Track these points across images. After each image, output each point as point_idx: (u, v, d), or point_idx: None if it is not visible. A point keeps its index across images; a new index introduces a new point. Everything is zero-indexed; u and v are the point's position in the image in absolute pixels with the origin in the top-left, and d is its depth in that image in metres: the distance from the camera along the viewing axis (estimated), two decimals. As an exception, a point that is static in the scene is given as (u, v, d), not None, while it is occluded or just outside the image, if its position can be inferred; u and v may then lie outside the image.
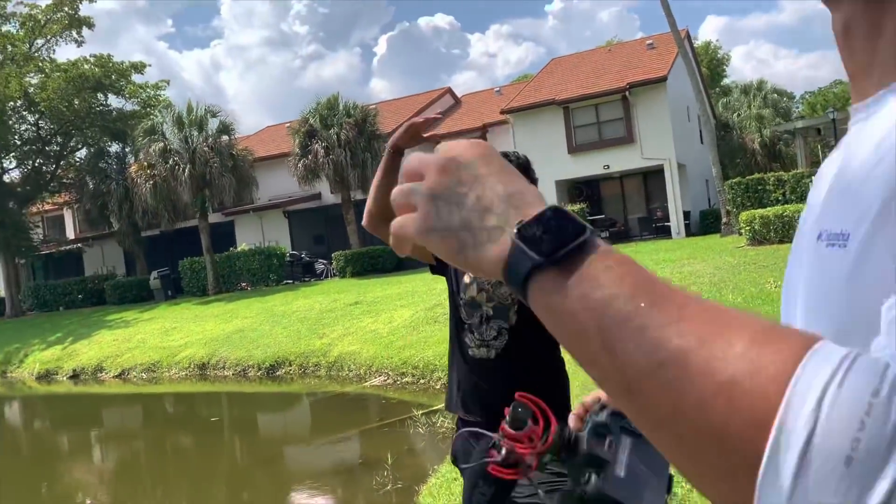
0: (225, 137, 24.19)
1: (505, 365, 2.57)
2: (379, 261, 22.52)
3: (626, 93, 23.66)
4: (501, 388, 2.31)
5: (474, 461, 1.95)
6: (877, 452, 0.38)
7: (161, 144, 22.69)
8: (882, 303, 0.46)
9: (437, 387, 9.94)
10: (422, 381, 10.68)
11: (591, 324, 0.49)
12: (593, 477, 0.93)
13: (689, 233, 23.58)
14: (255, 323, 17.03)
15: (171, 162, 22.72)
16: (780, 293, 0.68)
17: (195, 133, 23.61)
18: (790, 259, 0.65)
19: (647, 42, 28.00)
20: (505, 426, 1.04)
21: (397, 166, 2.33)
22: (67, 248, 32.76)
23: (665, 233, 23.78)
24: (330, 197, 25.87)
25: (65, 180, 29.97)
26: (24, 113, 28.04)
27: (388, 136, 24.90)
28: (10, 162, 29.27)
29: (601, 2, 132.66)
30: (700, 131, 25.91)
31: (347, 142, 22.63)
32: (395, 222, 0.61)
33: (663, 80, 23.36)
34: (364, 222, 2.52)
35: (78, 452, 11.68)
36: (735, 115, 34.40)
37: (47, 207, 33.45)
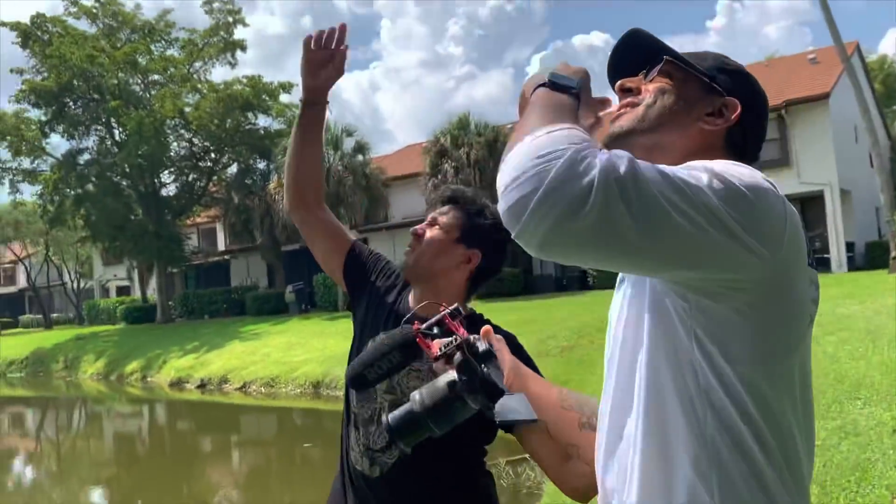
0: (360, 156, 24.45)
1: (392, 490, 1.79)
2: (504, 284, 21.81)
3: (783, 111, 21.64)
4: None
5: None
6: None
7: (298, 162, 23.21)
8: None
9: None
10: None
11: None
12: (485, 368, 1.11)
13: (853, 266, 21.13)
14: (374, 343, 16.77)
15: (306, 179, 23.17)
16: None
17: (331, 152, 24.00)
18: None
19: (810, 56, 25.62)
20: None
21: (315, 120, 1.95)
22: (216, 259, 34.45)
23: (824, 265, 21.44)
24: (462, 217, 25.45)
25: (216, 195, 31.58)
26: (182, 131, 29.79)
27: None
28: (168, 177, 31.21)
29: (768, 16, 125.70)
30: (870, 154, 23.29)
31: (477, 161, 22.17)
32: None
33: (825, 97, 21.18)
34: (287, 207, 2.10)
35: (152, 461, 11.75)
36: (914, 136, 30.89)
37: (202, 220, 35.42)
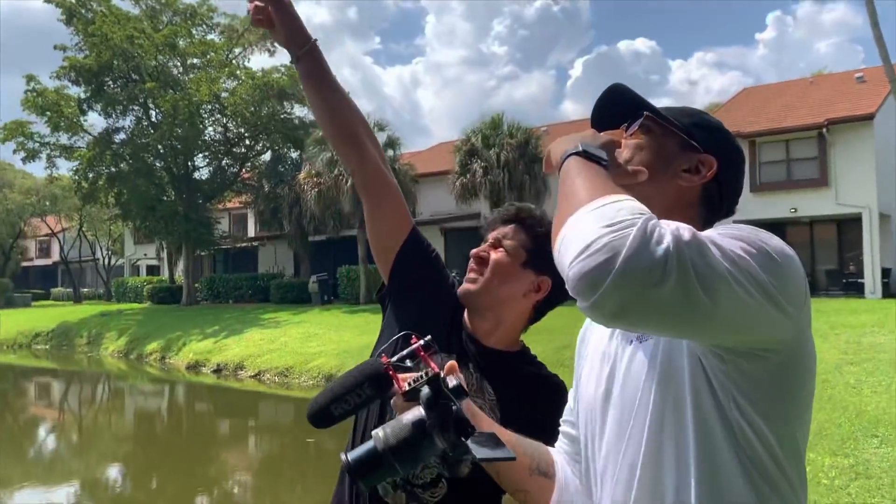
0: (391, 151, 24.34)
1: None
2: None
3: (824, 130, 21.08)
4: None
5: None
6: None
7: (328, 155, 23.15)
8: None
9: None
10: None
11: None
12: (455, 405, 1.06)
13: (888, 293, 20.49)
14: (389, 339, 16.66)
15: (336, 171, 23.14)
16: None
17: (361, 145, 23.92)
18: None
19: (857, 75, 24.96)
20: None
21: (313, 67, 1.70)
22: (244, 245, 34.63)
23: (857, 290, 20.86)
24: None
25: (248, 181, 31.73)
26: (217, 116, 29.96)
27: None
28: (202, 161, 31.42)
29: (819, 31, 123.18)
30: (912, 178, 22.60)
31: (507, 163, 21.93)
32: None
33: (870, 118, 20.57)
34: (348, 162, 1.77)
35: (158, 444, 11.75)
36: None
37: (234, 205, 35.66)
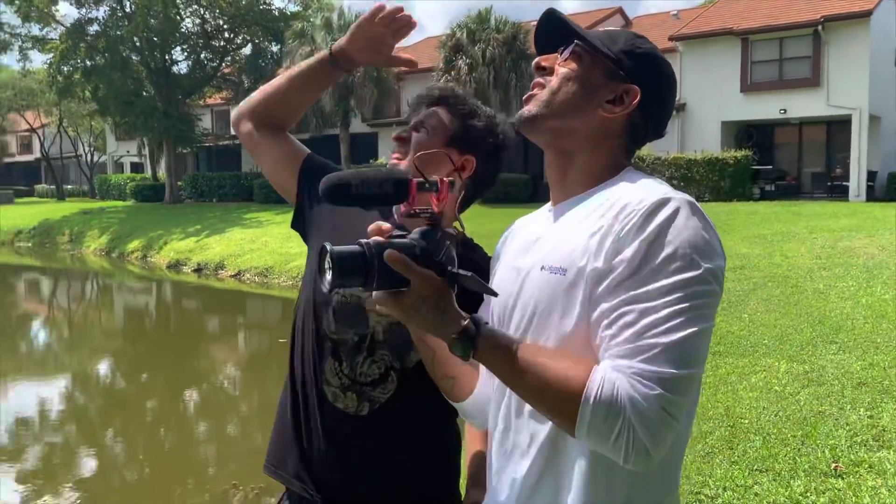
0: (374, 45, 23.56)
1: (383, 429, 1.56)
2: (511, 190, 21.36)
3: (819, 27, 20.43)
4: (369, 462, 1.56)
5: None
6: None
7: (308, 49, 22.40)
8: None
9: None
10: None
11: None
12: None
13: (872, 197, 20.40)
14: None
15: (316, 67, 22.44)
16: None
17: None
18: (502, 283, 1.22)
19: (858, -31, 24.00)
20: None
21: (327, 78, 1.73)
22: (227, 142, 34.03)
23: (842, 193, 20.76)
24: (476, 116, 24.78)
25: (228, 76, 30.84)
26: (196, 6, 28.78)
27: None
28: (180, 54, 30.43)
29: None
30: (906, 79, 22.14)
31: (492, 60, 21.29)
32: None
33: (867, 15, 19.89)
34: (238, 123, 1.79)
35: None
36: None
37: (216, 101, 34.81)
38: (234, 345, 12.28)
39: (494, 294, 1.11)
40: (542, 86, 1.21)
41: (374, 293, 1.06)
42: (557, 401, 1.00)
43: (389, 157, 1.67)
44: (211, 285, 17.18)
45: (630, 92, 1.17)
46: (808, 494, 3.22)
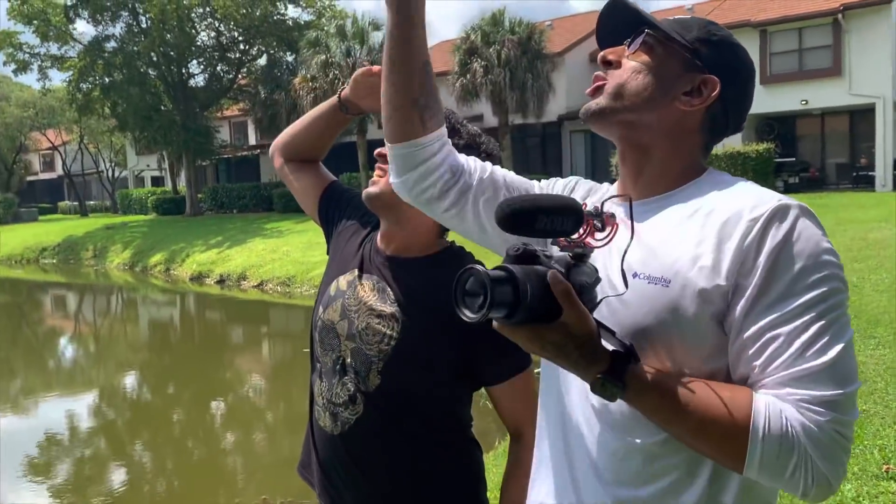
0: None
1: (353, 449, 1.63)
2: (531, 191, 21.22)
3: (839, 16, 20.12)
4: (344, 479, 1.65)
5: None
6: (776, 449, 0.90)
7: (323, 57, 22.44)
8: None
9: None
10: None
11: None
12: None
13: (899, 186, 20.07)
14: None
15: (331, 75, 22.46)
16: None
17: (357, 47, 23.13)
18: None
19: (876, -45, 23.61)
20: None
21: (341, 122, 1.81)
22: (245, 153, 34.18)
23: (868, 183, 20.42)
24: (492, 119, 24.66)
25: (245, 88, 30.98)
26: (210, 19, 28.96)
27: (553, 57, 23.20)
28: (196, 67, 30.63)
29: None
30: (931, 66, 21.72)
31: (508, 61, 21.17)
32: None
33: (888, 1, 19.56)
34: (271, 150, 1.96)
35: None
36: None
37: (233, 113, 34.99)
38: (259, 355, 12.27)
39: (635, 355, 0.98)
40: (605, 80, 1.13)
41: (505, 323, 0.93)
42: (721, 439, 0.93)
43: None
44: (234, 296, 17.21)
45: (708, 82, 1.09)
46: (861, 499, 3.09)
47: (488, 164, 1.28)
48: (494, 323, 0.94)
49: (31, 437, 7.48)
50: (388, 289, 1.62)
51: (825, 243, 0.96)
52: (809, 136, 23.29)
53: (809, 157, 22.83)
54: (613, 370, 0.93)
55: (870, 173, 20.54)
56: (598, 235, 0.99)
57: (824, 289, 0.93)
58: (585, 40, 25.60)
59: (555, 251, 0.97)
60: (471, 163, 1.26)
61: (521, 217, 0.94)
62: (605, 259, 1.07)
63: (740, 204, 0.99)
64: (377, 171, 1.64)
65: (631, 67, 1.11)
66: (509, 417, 1.63)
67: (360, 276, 1.67)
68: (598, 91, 1.13)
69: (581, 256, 0.96)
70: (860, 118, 21.49)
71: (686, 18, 1.16)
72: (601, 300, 0.98)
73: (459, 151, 1.35)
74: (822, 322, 0.92)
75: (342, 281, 1.69)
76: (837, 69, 20.53)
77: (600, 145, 24.74)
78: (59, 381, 10.65)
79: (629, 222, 1.02)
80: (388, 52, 1.16)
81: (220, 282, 18.54)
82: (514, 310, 0.89)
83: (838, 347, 0.92)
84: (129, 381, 10.56)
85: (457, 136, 1.55)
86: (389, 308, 1.59)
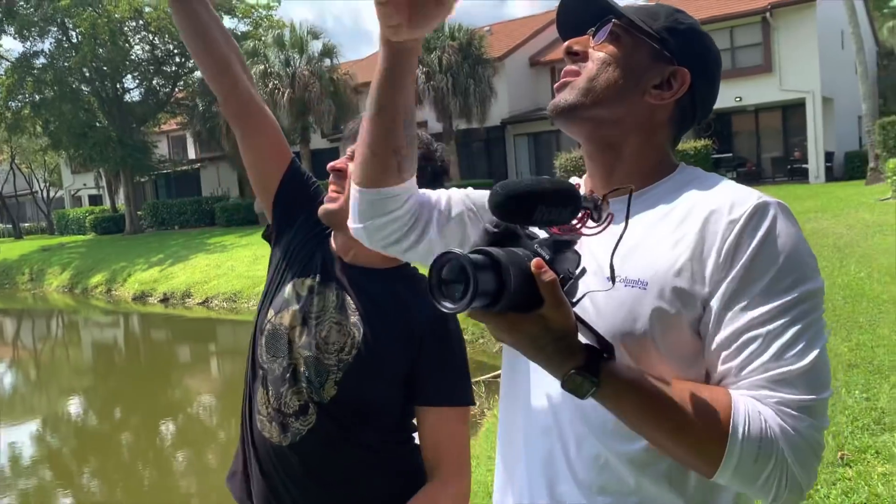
0: (328, 61, 23.36)
1: (303, 460, 1.56)
2: (478, 195, 21.31)
3: (768, 14, 20.76)
4: (292, 492, 1.57)
5: None
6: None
7: (262, 67, 22.15)
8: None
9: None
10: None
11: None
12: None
13: (831, 177, 20.76)
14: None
15: (270, 85, 22.19)
16: None
17: (296, 56, 22.90)
18: None
19: (800, -45, 24.42)
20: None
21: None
22: (185, 168, 33.50)
23: (802, 176, 21.07)
24: (437, 125, 24.67)
25: (182, 101, 30.37)
26: (144, 33, 28.32)
27: (494, 62, 23.32)
28: (132, 82, 29.89)
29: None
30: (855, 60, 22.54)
31: (449, 67, 21.23)
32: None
33: (812, -1, 20.26)
34: (220, 92, 1.66)
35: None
36: (903, 41, 30.04)
37: (171, 128, 34.25)
38: (207, 373, 11.98)
39: (612, 352, 0.90)
40: (577, 73, 1.07)
41: (480, 310, 0.83)
42: (699, 441, 0.88)
43: (328, 188, 1.59)
44: (179, 315, 16.79)
45: (678, 74, 1.05)
46: (819, 487, 3.12)
47: (444, 192, 1.21)
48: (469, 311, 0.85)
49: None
50: (349, 298, 1.57)
51: (803, 244, 0.94)
52: (745, 132, 23.92)
53: (746, 153, 23.45)
54: (588, 366, 0.86)
55: (803, 166, 21.19)
56: (590, 225, 0.93)
57: (802, 290, 0.91)
58: (525, 44, 25.84)
59: (538, 231, 0.90)
60: (430, 196, 1.19)
61: (519, 203, 0.84)
62: (592, 251, 1.02)
63: (718, 203, 0.96)
64: (333, 187, 1.56)
65: (599, 59, 1.06)
66: (429, 448, 1.56)
67: (321, 283, 1.60)
68: (563, 87, 1.07)
69: (568, 243, 0.89)
70: (792, 113, 22.16)
71: (651, 6, 1.10)
72: (584, 295, 0.93)
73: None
74: (800, 325, 0.89)
75: (300, 284, 1.62)
76: (768, 66, 21.15)
77: (543, 147, 25.00)
78: (2, 408, 10.22)
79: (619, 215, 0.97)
80: (378, 97, 1.07)
81: (164, 300, 18.07)
82: (497, 299, 0.81)
83: (815, 352, 0.89)
84: (74, 406, 10.18)
85: None
86: (352, 317, 1.54)
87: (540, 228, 0.90)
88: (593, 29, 1.08)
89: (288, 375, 1.54)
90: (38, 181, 45.63)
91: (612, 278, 0.89)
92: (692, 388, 0.90)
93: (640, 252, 0.98)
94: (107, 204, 36.18)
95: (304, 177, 1.73)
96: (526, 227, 0.89)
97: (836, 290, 7.13)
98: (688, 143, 20.75)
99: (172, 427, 8.62)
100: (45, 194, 45.59)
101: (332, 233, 1.65)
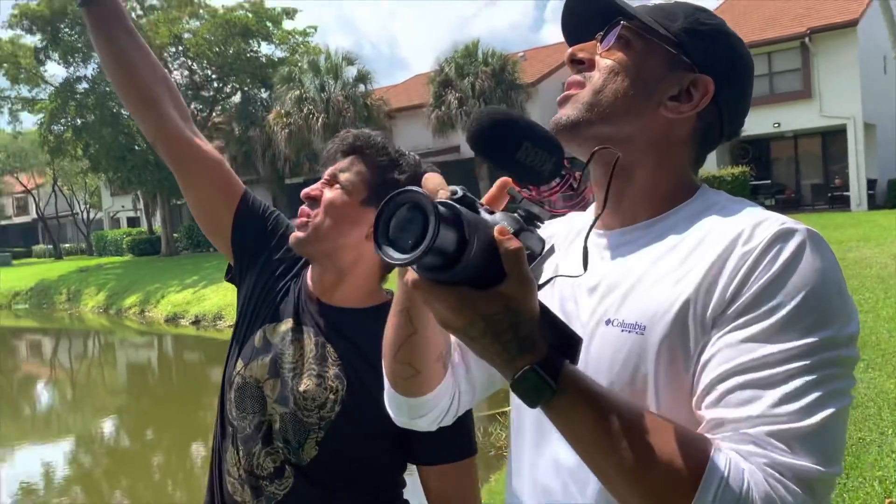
0: (362, 87, 23.55)
1: None
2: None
3: (807, 39, 20.41)
4: None
5: None
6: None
7: (297, 92, 22.39)
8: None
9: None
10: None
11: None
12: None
13: (873, 205, 20.22)
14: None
15: (305, 110, 22.39)
16: None
17: (331, 81, 23.11)
18: None
19: (840, -20, 24.09)
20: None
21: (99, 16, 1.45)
22: (221, 191, 33.89)
23: (843, 203, 20.56)
24: (468, 150, 24.71)
25: (220, 125, 30.84)
26: (183, 58, 28.89)
27: (527, 87, 23.31)
28: (169, 107, 30.43)
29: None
30: (899, 86, 22.09)
31: (482, 92, 21.23)
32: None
33: (853, 24, 19.88)
34: (147, 127, 1.52)
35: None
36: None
37: (208, 151, 34.69)
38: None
39: (574, 355, 0.76)
40: (581, 84, 0.93)
41: (431, 278, 0.69)
42: (660, 487, 0.70)
43: (299, 215, 1.45)
44: (210, 337, 16.86)
45: (699, 83, 0.90)
46: (866, 538, 2.91)
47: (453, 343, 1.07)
48: (413, 275, 0.70)
49: (6, 486, 7.15)
50: (329, 345, 1.41)
51: (834, 281, 0.77)
52: (783, 158, 23.50)
53: (784, 179, 23.01)
54: (547, 364, 0.71)
55: (844, 193, 20.69)
56: (561, 199, 0.82)
57: (824, 336, 0.74)
58: (558, 70, 25.78)
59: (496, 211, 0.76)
60: (454, 357, 1.04)
61: (506, 130, 0.73)
62: (565, 235, 0.91)
63: (735, 231, 0.81)
64: (304, 214, 1.43)
65: (606, 67, 0.92)
66: (436, 498, 1.42)
67: (296, 328, 1.44)
68: (566, 101, 0.94)
69: (534, 218, 0.75)
70: (832, 139, 21.71)
71: (668, 4, 0.96)
72: (552, 278, 0.79)
73: (400, 186, 1.16)
74: (814, 376, 0.72)
75: (272, 331, 1.46)
76: (808, 91, 20.78)
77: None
78: (35, 428, 10.36)
79: (606, 252, 0.89)
80: (403, 356, 0.95)
81: (195, 322, 18.17)
82: (454, 263, 0.66)
83: (828, 412, 0.72)
84: (108, 426, 10.28)
85: (397, 170, 1.41)
86: (332, 368, 1.39)
87: (516, 178, 0.77)
88: (601, 33, 0.95)
89: (261, 434, 1.39)
90: (78, 203, 46.61)
91: (585, 264, 0.75)
92: (668, 426, 0.74)
93: (640, 291, 0.84)
94: (144, 226, 36.76)
95: (259, 210, 1.57)
96: (502, 167, 0.77)
97: (881, 322, 6.84)
98: (725, 170, 20.44)
99: (203, 450, 8.58)
100: (85, 216, 46.52)
101: (308, 268, 1.50)
